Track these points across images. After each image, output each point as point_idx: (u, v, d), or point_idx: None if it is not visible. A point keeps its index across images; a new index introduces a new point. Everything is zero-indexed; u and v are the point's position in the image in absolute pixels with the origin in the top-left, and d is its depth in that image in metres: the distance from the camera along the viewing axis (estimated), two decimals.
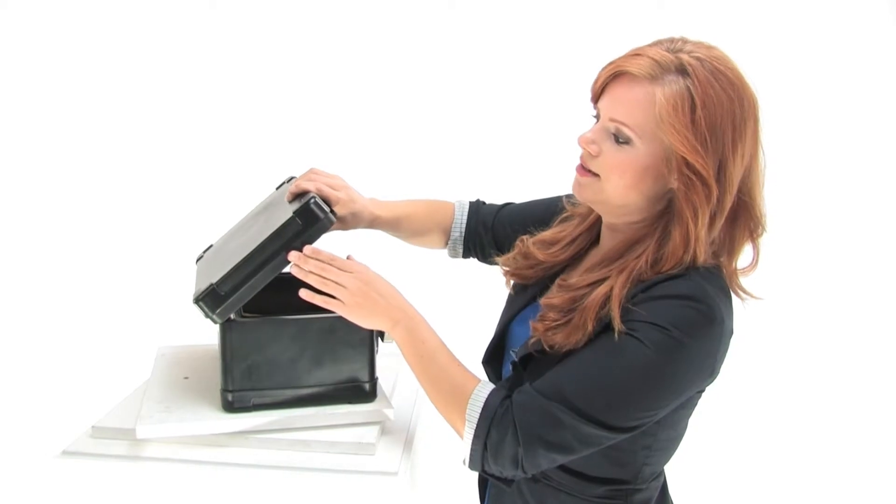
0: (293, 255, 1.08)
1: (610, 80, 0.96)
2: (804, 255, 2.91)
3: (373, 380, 1.17)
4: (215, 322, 1.09)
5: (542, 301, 1.02)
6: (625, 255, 0.99)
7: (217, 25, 3.02)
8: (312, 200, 1.11)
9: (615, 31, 2.90)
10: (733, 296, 1.00)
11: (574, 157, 1.01)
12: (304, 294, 1.05)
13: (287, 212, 1.11)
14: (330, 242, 1.14)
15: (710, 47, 0.94)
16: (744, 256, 1.01)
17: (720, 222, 0.95)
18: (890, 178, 3.04)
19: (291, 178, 1.30)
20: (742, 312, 1.01)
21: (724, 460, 2.47)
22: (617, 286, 0.94)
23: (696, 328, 0.91)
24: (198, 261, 1.30)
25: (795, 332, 2.88)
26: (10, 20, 2.94)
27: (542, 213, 1.23)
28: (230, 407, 1.13)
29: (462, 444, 0.99)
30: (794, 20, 2.96)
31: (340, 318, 1.08)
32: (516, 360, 1.03)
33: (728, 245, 1.00)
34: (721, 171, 0.92)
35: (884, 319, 2.96)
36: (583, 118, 1.02)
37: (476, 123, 3.01)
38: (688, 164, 0.91)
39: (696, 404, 1.04)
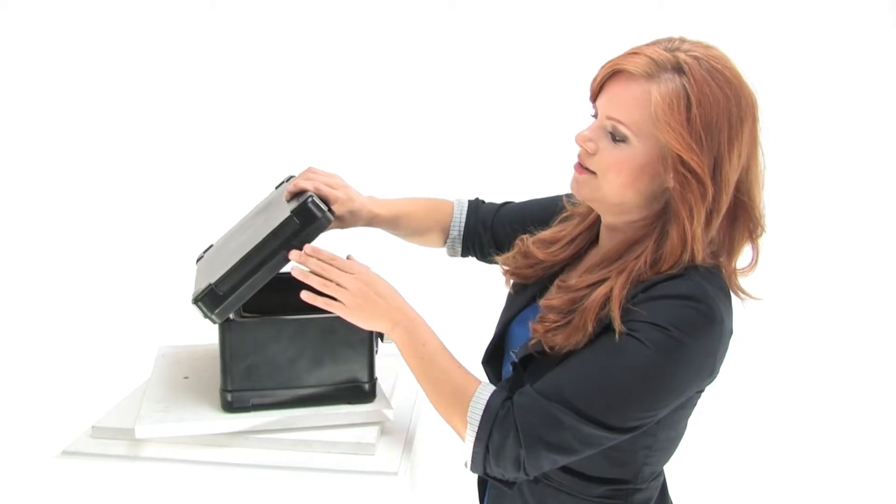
0: (294, 254, 1.08)
1: (608, 78, 0.96)
2: (803, 256, 2.91)
3: (372, 380, 1.17)
4: (214, 322, 1.09)
5: (542, 302, 1.02)
6: (624, 255, 0.99)
7: (217, 25, 3.02)
8: (310, 199, 1.11)
9: (615, 31, 2.90)
10: (733, 296, 1.00)
11: (573, 156, 1.01)
12: (304, 296, 1.05)
13: (285, 211, 1.11)
14: (329, 241, 1.14)
15: (708, 47, 0.95)
16: (743, 257, 1.02)
17: (717, 221, 0.95)
18: (890, 178, 3.04)
19: (290, 178, 1.30)
20: (741, 312, 1.01)
21: (724, 460, 2.47)
22: (616, 287, 0.94)
23: (695, 328, 0.91)
24: (198, 261, 1.30)
25: (794, 332, 2.88)
26: (10, 20, 2.94)
27: (542, 213, 1.23)
28: (229, 407, 1.13)
29: (463, 446, 0.99)
30: (794, 20, 2.96)
31: (340, 318, 1.08)
32: (516, 360, 1.03)
33: (728, 245, 1.00)
34: (717, 169, 0.92)
35: (883, 319, 2.96)
36: (582, 118, 1.02)
37: (476, 123, 3.01)
38: (683, 162, 0.91)
39: (695, 404, 1.04)
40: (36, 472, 1.43)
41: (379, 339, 1.16)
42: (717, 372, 0.98)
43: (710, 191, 0.92)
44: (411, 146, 3.01)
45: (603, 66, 0.97)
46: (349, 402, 1.16)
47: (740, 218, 0.98)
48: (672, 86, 0.90)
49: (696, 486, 2.14)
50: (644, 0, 2.96)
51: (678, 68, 0.91)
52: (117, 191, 2.99)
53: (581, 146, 0.99)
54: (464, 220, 1.34)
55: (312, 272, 1.07)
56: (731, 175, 0.93)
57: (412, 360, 1.05)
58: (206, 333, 1.23)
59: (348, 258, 1.11)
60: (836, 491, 2.41)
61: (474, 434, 0.96)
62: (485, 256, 1.34)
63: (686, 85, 0.90)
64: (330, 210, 1.15)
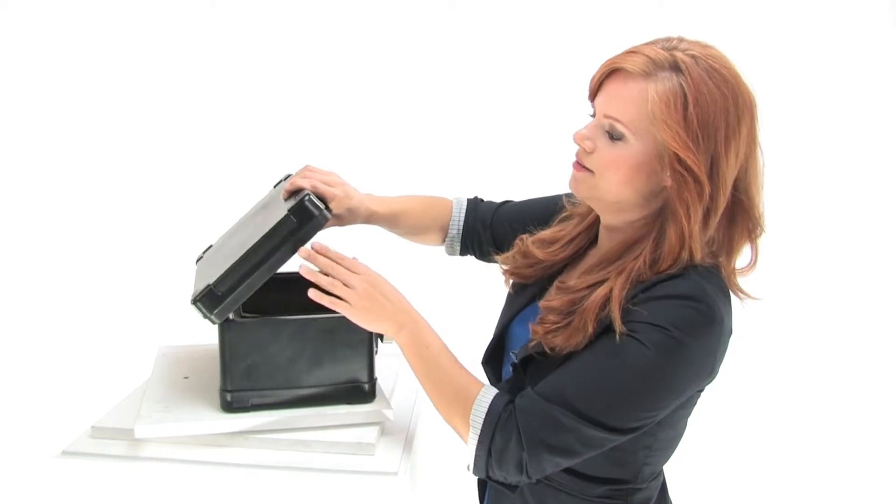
0: (303, 251, 1.08)
1: (606, 77, 0.97)
2: (802, 256, 2.91)
3: (372, 380, 1.17)
4: (214, 322, 1.09)
5: (542, 304, 1.02)
6: (623, 256, 0.99)
7: (217, 25, 3.02)
8: (307, 198, 1.10)
9: (615, 30, 2.90)
10: (732, 295, 1.00)
11: (572, 155, 1.01)
12: (312, 294, 1.05)
13: (282, 210, 1.11)
14: (328, 239, 1.14)
15: (706, 46, 0.95)
16: (742, 256, 1.02)
17: (715, 220, 0.95)
18: (889, 178, 3.04)
19: (288, 176, 1.30)
20: (740, 312, 1.01)
21: (723, 459, 2.48)
22: (616, 287, 0.94)
23: (695, 328, 0.91)
24: (197, 261, 1.30)
25: (793, 331, 2.88)
26: (10, 20, 2.94)
27: (542, 212, 1.23)
28: (229, 407, 1.13)
29: (466, 449, 0.99)
30: (793, 20, 2.96)
31: (339, 318, 1.08)
32: (516, 361, 1.03)
33: (727, 245, 1.00)
34: (714, 168, 0.92)
35: (882, 319, 2.96)
36: (582, 117, 1.02)
37: (476, 122, 3.01)
38: (680, 161, 0.91)
39: (695, 404, 1.04)
40: (36, 472, 1.43)
41: (379, 340, 1.16)
42: (717, 371, 0.98)
43: (707, 189, 0.92)
44: (411, 145, 3.01)
45: (601, 65, 0.97)
46: (349, 403, 1.16)
47: (739, 218, 0.98)
48: (669, 84, 0.91)
49: (696, 486, 2.14)
50: (644, 0, 2.96)
51: (675, 67, 0.91)
52: (117, 191, 2.99)
53: (579, 144, 0.99)
54: (462, 218, 1.34)
55: (320, 271, 1.07)
56: (729, 174, 0.93)
57: (416, 362, 1.05)
58: (206, 333, 1.23)
59: (354, 259, 1.11)
60: (835, 490, 2.41)
61: (477, 437, 0.96)
62: (484, 255, 1.34)
63: (683, 83, 0.90)
64: (327, 208, 1.15)
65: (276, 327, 1.12)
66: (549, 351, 0.97)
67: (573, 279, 1.03)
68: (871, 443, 2.61)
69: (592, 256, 1.09)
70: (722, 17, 2.91)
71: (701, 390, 1.02)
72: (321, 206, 1.12)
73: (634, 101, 0.92)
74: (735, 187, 0.96)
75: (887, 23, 2.99)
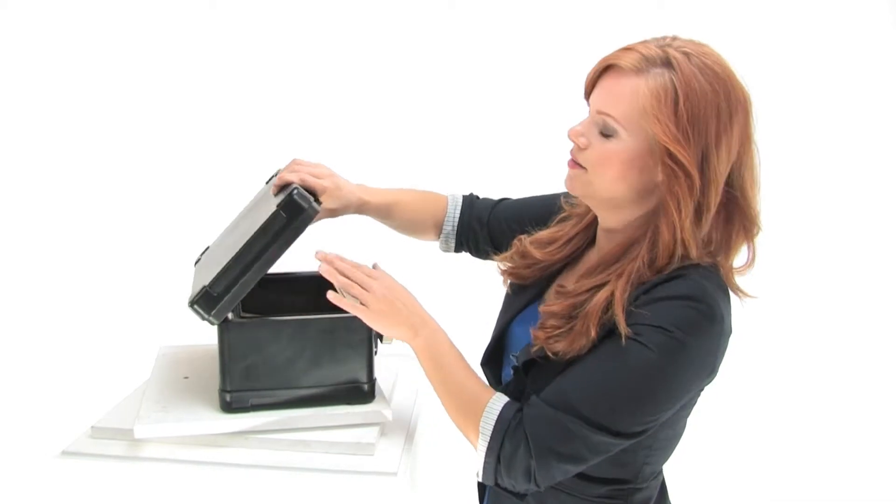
0: (319, 254, 1.09)
1: (600, 74, 0.98)
2: (801, 254, 2.91)
3: (371, 380, 1.17)
4: (213, 323, 1.09)
5: (542, 308, 1.02)
6: (622, 258, 0.99)
7: (217, 25, 3.02)
8: (295, 192, 1.10)
9: (615, 30, 2.90)
10: (731, 294, 1.01)
11: (569, 154, 1.02)
12: (331, 297, 1.05)
13: (272, 206, 1.11)
14: (323, 232, 1.13)
15: (699, 44, 0.96)
16: (741, 255, 1.02)
17: (708, 216, 0.95)
18: (888, 177, 3.04)
19: (279, 172, 1.30)
20: (739, 311, 1.02)
21: (722, 458, 2.48)
22: (618, 290, 0.94)
23: (697, 328, 0.91)
24: (195, 263, 1.30)
25: (792, 330, 2.87)
26: (10, 20, 2.94)
27: (539, 212, 1.23)
28: (228, 407, 1.13)
29: (475, 456, 0.99)
30: (793, 20, 2.96)
31: (339, 318, 1.08)
32: (518, 365, 1.03)
33: (724, 244, 1.00)
34: (704, 162, 0.93)
35: (881, 317, 2.96)
36: (582, 117, 1.02)
37: (476, 122, 3.01)
38: (670, 155, 0.92)
39: (695, 403, 1.05)
40: (36, 472, 1.43)
41: (378, 340, 1.16)
42: (717, 370, 0.98)
43: (698, 184, 0.92)
44: (410, 144, 3.01)
45: (596, 63, 0.98)
46: (348, 403, 1.16)
47: (736, 216, 0.99)
48: (661, 80, 0.91)
49: (695, 485, 2.14)
50: (644, 0, 2.96)
51: (667, 63, 0.92)
52: (117, 191, 2.99)
53: (573, 141, 1.00)
54: (458, 215, 1.33)
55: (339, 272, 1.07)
56: (720, 169, 0.93)
57: (430, 368, 1.05)
58: (206, 333, 1.23)
59: (374, 266, 1.11)
60: (835, 488, 2.41)
61: (486, 445, 0.97)
62: (479, 252, 1.34)
63: (674, 79, 0.91)
64: (316, 200, 1.14)
65: (276, 328, 1.11)
66: (551, 356, 0.97)
67: (572, 283, 1.03)
68: (870, 441, 2.61)
69: (590, 259, 1.09)
70: (722, 17, 2.91)
71: (701, 389, 1.02)
72: (310, 198, 1.11)
73: (626, 96, 0.93)
74: (728, 183, 0.96)
75: (887, 23, 2.99)
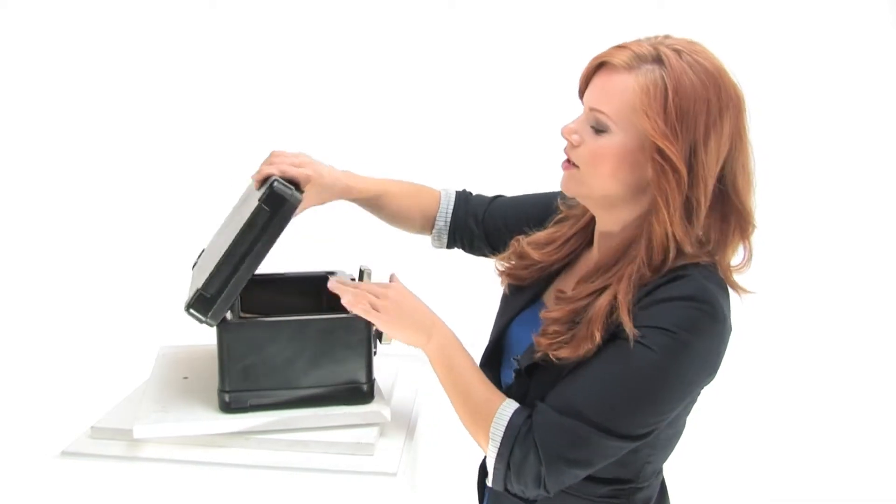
0: (332, 285, 1.09)
1: (593, 72, 0.99)
2: (800, 252, 2.91)
3: (370, 381, 1.17)
4: (210, 325, 1.08)
5: (543, 315, 1.02)
6: (619, 260, 1.00)
7: (217, 25, 3.02)
8: (275, 184, 1.09)
9: (615, 30, 2.89)
10: (730, 293, 1.01)
11: (564, 154, 1.02)
12: (345, 302, 1.06)
13: (255, 201, 1.10)
14: (315, 221, 1.12)
15: (692, 42, 0.96)
16: (738, 255, 1.02)
17: (700, 213, 0.95)
18: (887, 177, 3.04)
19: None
20: (737, 308, 1.02)
21: (721, 457, 2.47)
22: (621, 293, 0.95)
23: (700, 328, 0.92)
24: (193, 267, 1.30)
25: (791, 329, 2.87)
26: (10, 20, 2.94)
27: (536, 211, 1.23)
28: (227, 408, 1.13)
29: (486, 462, 1.00)
30: (793, 20, 2.96)
31: (338, 319, 1.08)
32: (520, 368, 1.03)
33: (721, 243, 1.00)
34: (692, 156, 0.93)
35: (879, 313, 2.96)
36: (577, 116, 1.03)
37: (476, 121, 3.01)
38: (659, 150, 0.92)
39: (695, 401, 1.05)
40: (35, 472, 1.43)
41: (377, 340, 1.16)
42: (718, 369, 0.98)
43: (686, 179, 0.93)
44: (410, 144, 3.01)
45: (589, 61, 0.99)
46: (347, 403, 1.16)
47: (731, 215, 0.99)
48: (651, 76, 0.92)
49: (695, 484, 2.14)
50: (644, 0, 2.96)
51: (658, 60, 0.93)
52: (118, 191, 2.99)
53: (566, 138, 1.00)
54: (451, 211, 1.33)
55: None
56: (708, 163, 0.94)
57: (443, 374, 1.06)
58: (205, 334, 1.22)
59: (391, 277, 1.12)
60: (834, 487, 2.41)
61: (496, 450, 0.97)
62: (473, 249, 1.34)
63: (664, 75, 0.92)
64: (299, 189, 1.13)
65: (275, 328, 1.11)
66: (556, 361, 0.97)
67: (571, 287, 1.04)
68: (869, 439, 2.61)
69: (588, 260, 1.09)
70: (722, 17, 2.91)
71: (701, 388, 1.02)
72: (291, 188, 1.10)
73: (617, 92, 0.94)
74: (719, 180, 0.96)
75: (887, 23, 2.99)
